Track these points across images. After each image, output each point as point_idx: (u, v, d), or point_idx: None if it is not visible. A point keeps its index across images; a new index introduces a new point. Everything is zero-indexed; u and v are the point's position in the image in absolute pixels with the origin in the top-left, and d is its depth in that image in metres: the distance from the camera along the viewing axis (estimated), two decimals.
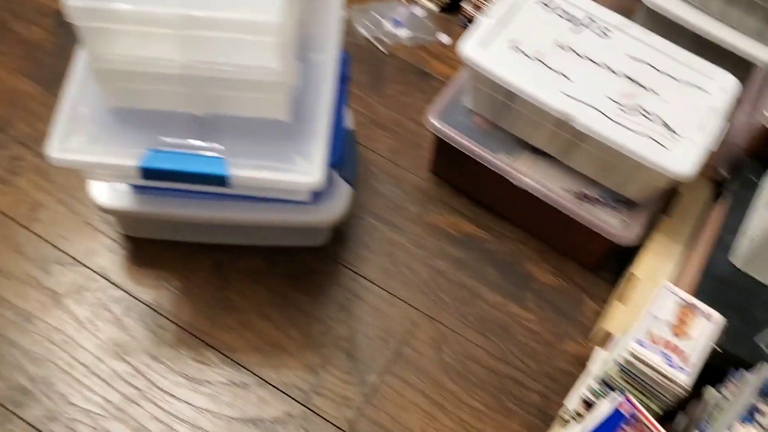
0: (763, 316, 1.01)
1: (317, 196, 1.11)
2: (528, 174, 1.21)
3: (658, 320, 0.89)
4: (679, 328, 0.89)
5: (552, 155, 1.22)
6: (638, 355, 0.87)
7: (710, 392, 0.97)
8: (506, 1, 1.21)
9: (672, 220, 1.24)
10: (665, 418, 0.94)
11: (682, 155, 1.08)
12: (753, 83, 1.26)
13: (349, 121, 1.24)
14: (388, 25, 1.53)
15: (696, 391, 0.99)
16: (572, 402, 1.03)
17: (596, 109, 1.12)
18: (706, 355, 0.87)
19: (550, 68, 1.16)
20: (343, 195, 1.15)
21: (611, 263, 1.28)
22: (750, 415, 0.87)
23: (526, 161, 1.23)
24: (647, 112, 1.13)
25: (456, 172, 1.33)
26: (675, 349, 0.87)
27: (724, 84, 1.17)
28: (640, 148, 1.09)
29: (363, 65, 1.47)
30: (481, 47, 1.15)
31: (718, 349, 1.00)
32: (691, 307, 0.90)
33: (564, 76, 1.15)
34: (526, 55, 1.16)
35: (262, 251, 1.23)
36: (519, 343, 1.21)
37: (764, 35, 1.26)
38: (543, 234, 1.31)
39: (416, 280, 1.25)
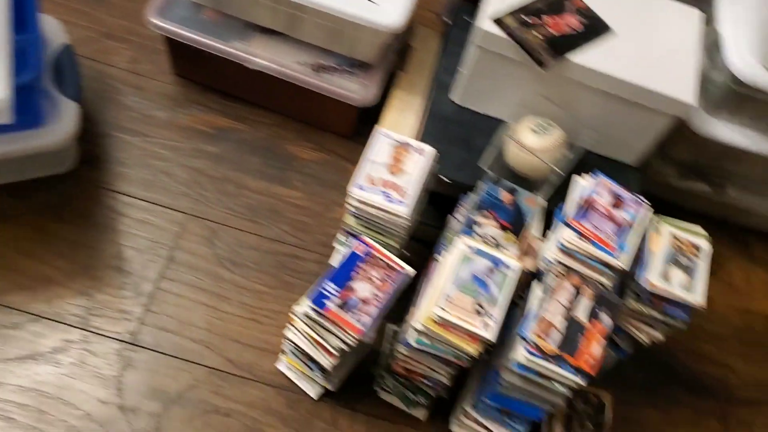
0: (484, 142, 1.09)
1: (37, 118, 1.07)
2: (261, 55, 1.21)
3: (376, 163, 0.94)
4: (395, 166, 0.95)
5: (281, 32, 1.23)
6: (361, 199, 0.92)
7: (449, 220, 1.05)
8: None
9: (408, 75, 1.30)
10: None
11: (391, 7, 1.12)
12: None
13: (61, 35, 1.18)
14: None
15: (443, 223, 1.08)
16: (334, 259, 1.09)
17: None
18: (421, 185, 0.94)
19: None
20: (69, 114, 1.11)
21: (366, 127, 1.32)
22: (469, 227, 0.95)
23: (259, 43, 1.23)
24: None
25: (198, 70, 1.31)
26: (393, 186, 0.93)
27: None
28: (352, 6, 1.12)
29: None
30: None
31: (447, 180, 1.08)
32: (404, 145, 0.96)
33: None
34: None
35: (7, 189, 1.18)
36: (290, 221, 1.25)
37: None
38: (296, 113, 1.33)
39: (177, 184, 1.25)
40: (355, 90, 1.22)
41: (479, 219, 0.96)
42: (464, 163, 1.09)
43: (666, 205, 1.34)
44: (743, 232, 1.39)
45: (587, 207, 0.95)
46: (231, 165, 1.28)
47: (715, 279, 1.34)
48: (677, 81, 1.02)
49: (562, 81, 1.03)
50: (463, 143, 1.11)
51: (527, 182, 1.07)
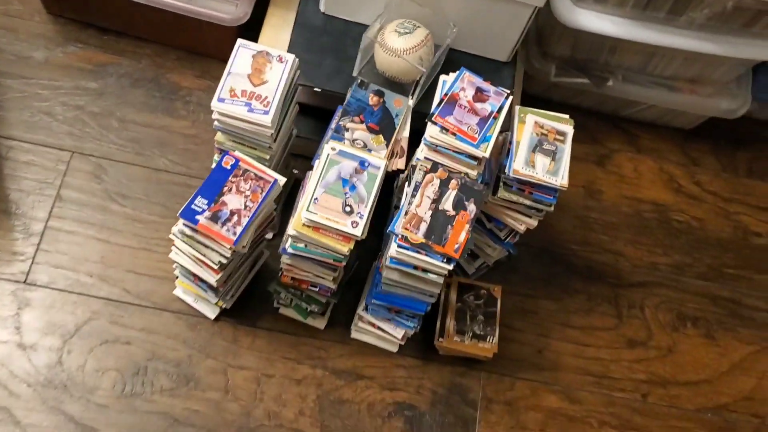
0: (354, 50, 1.10)
1: None
2: None
3: (237, 75, 0.94)
4: (256, 77, 0.94)
5: None
6: (223, 112, 0.93)
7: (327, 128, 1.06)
8: None
9: None
10: None
11: None
12: None
13: None
14: None
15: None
16: None
17: None
18: (284, 93, 0.94)
19: None
20: None
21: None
22: (338, 133, 0.96)
23: None
24: None
25: (72, 6, 1.28)
26: (255, 96, 0.93)
27: None
28: None
29: None
30: None
31: (318, 90, 1.08)
32: (264, 54, 0.96)
33: None
34: None
35: None
36: (178, 150, 1.25)
37: None
38: (175, 41, 1.31)
39: (59, 123, 1.23)
40: (227, 10, 1.21)
41: (348, 124, 0.97)
42: (336, 72, 1.09)
43: (551, 104, 1.37)
44: (630, 124, 1.43)
45: (450, 102, 0.97)
46: (114, 100, 1.26)
47: (605, 171, 1.39)
48: None
49: None
50: (333, 52, 1.11)
51: (398, 86, 1.08)
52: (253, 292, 1.15)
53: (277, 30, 1.24)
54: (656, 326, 1.27)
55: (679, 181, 1.40)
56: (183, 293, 1.13)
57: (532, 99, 1.34)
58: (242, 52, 0.96)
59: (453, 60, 1.11)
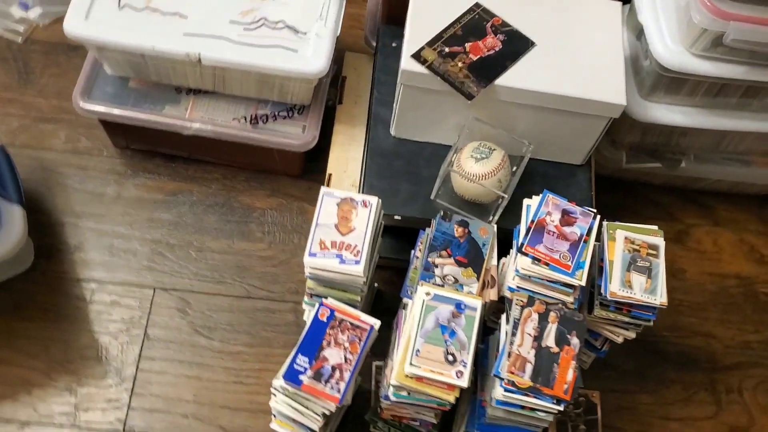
0: (429, 171, 1.09)
1: None
2: (196, 118, 1.20)
3: (324, 226, 0.94)
4: (344, 225, 0.94)
5: (211, 90, 1.22)
6: (315, 266, 0.92)
7: (411, 256, 1.05)
8: None
9: (345, 106, 1.29)
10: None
11: (312, 53, 1.11)
12: None
13: None
14: (17, 11, 1.42)
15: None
16: (307, 317, 1.09)
17: (220, 38, 1.11)
18: (372, 238, 0.94)
19: (163, 13, 1.13)
20: (14, 219, 1.10)
21: (316, 164, 1.32)
22: (428, 271, 0.96)
23: (191, 105, 1.22)
24: (271, 22, 1.14)
25: (137, 140, 1.30)
26: (344, 246, 0.93)
27: None
28: (272, 60, 1.10)
29: (2, 65, 1.37)
30: (85, 19, 1.10)
31: (399, 218, 1.08)
32: (348, 201, 0.96)
33: (179, 15, 1.13)
34: (135, 9, 1.12)
35: None
36: (258, 275, 1.25)
37: None
38: (243, 164, 1.32)
39: (139, 259, 1.24)
40: (295, 135, 1.21)
41: (436, 260, 0.96)
42: (413, 196, 1.09)
43: (623, 183, 1.35)
44: (704, 196, 1.40)
45: (538, 229, 0.95)
46: (189, 228, 1.28)
47: (685, 248, 1.36)
48: (606, 83, 1.01)
49: (494, 104, 1.02)
50: (408, 176, 1.10)
51: (479, 207, 1.07)
52: (348, 413, 1.14)
53: (345, 148, 1.25)
54: (757, 410, 1.23)
55: (762, 251, 1.37)
56: (280, 428, 1.13)
57: (603, 180, 1.32)
58: (327, 201, 0.96)
59: (527, 168, 1.10)
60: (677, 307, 1.30)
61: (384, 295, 1.22)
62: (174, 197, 1.30)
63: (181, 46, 1.10)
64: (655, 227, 1.01)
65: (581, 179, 1.13)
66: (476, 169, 1.03)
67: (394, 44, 1.21)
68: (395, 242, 1.16)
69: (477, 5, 1.05)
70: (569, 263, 0.94)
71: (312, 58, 1.11)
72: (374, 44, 1.31)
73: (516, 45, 1.02)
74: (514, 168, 1.08)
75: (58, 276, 1.22)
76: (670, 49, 1.04)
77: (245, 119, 1.22)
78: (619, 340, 1.04)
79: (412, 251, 1.05)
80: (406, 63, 1.00)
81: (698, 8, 0.95)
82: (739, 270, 1.35)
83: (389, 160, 1.12)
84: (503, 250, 1.01)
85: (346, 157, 1.24)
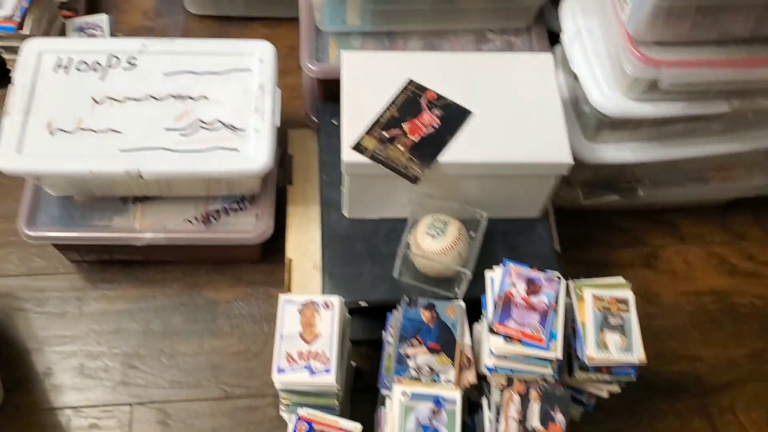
0: (389, 248, 1.07)
1: None
2: (147, 227, 1.18)
3: (289, 338, 0.92)
4: (309, 331, 0.93)
5: (158, 196, 1.19)
6: (285, 382, 0.91)
7: (383, 337, 1.03)
8: (19, 87, 1.12)
9: (296, 186, 1.27)
10: None
11: (254, 149, 1.09)
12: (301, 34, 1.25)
13: None
14: None
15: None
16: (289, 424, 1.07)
17: (158, 149, 1.09)
18: (338, 341, 0.92)
19: (96, 131, 1.10)
20: None
21: (275, 243, 1.28)
22: (401, 363, 0.94)
23: (140, 213, 1.19)
24: (207, 123, 1.12)
25: (90, 251, 1.27)
26: (312, 356, 0.91)
27: (262, 54, 1.17)
28: (214, 164, 1.08)
29: None
30: (17, 152, 1.07)
31: (366, 305, 1.06)
32: (309, 305, 0.94)
33: (114, 131, 1.10)
34: (67, 132, 1.10)
35: None
36: (233, 372, 1.23)
37: None
38: (201, 259, 1.30)
39: (112, 375, 1.21)
40: (250, 227, 1.19)
41: (408, 351, 0.95)
42: (377, 278, 1.07)
43: (584, 213, 1.35)
44: (666, 214, 1.40)
45: (505, 303, 0.94)
46: (157, 335, 1.25)
47: (656, 272, 1.36)
48: (550, 143, 1.00)
49: (441, 179, 1.01)
50: (369, 257, 1.09)
51: (445, 280, 1.06)
52: None
53: (302, 230, 1.24)
54: (753, 427, 1.23)
55: (731, 261, 1.37)
56: None
57: (564, 213, 1.31)
58: (288, 309, 0.94)
59: (486, 229, 1.08)
60: (658, 334, 1.30)
61: (362, 372, 1.20)
62: (137, 304, 1.27)
63: (120, 164, 1.07)
64: (621, 279, 1.00)
65: (541, 232, 1.12)
66: (434, 246, 1.01)
67: (334, 121, 1.19)
68: (366, 322, 1.14)
69: (410, 82, 1.04)
70: (542, 335, 0.93)
71: (254, 155, 1.09)
72: (315, 119, 1.29)
73: (454, 117, 1.01)
74: (471, 232, 1.06)
75: (31, 408, 1.19)
76: (608, 96, 1.04)
77: (197, 219, 1.19)
78: (605, 395, 1.03)
79: (383, 332, 1.04)
80: (348, 155, 0.98)
81: (628, 58, 0.95)
82: (713, 285, 1.35)
83: (347, 243, 1.10)
84: (474, 315, 1.00)
85: (305, 239, 1.23)
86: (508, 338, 0.92)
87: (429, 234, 1.02)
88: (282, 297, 0.95)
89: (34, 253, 1.31)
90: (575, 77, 1.11)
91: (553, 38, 1.23)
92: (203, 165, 1.08)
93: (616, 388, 1.01)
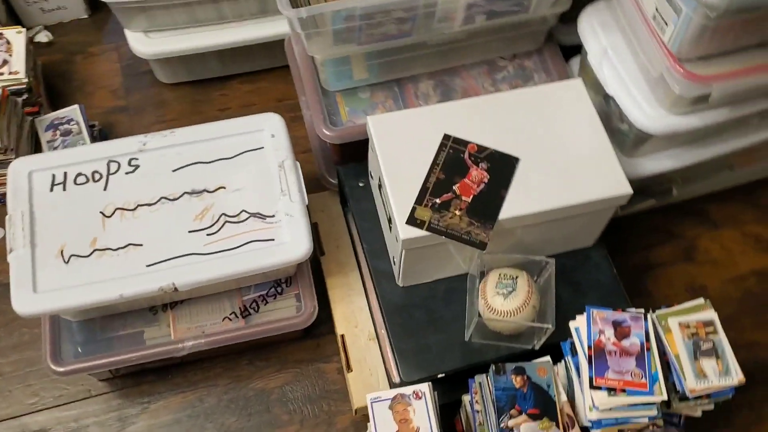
0: (451, 310, 1.02)
1: None
2: (185, 335, 1.09)
3: None
4: (406, 428, 0.87)
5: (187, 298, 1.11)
6: None
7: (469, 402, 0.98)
8: (17, 218, 1.02)
9: (329, 256, 1.20)
10: None
11: (290, 237, 1.02)
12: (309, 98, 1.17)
13: None
14: None
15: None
16: None
17: (187, 255, 1.01)
18: (436, 422, 0.87)
19: (114, 249, 1.01)
20: None
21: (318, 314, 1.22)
22: None
23: (173, 321, 1.11)
24: (232, 216, 1.04)
25: (121, 368, 1.18)
26: None
27: (272, 128, 1.09)
28: (252, 261, 1.01)
29: None
30: (34, 292, 0.97)
31: (443, 375, 1.01)
32: (398, 399, 0.89)
33: (134, 245, 1.02)
34: (83, 257, 1.01)
35: None
36: None
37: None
38: (242, 348, 1.22)
39: None
40: (292, 312, 1.12)
41: (509, 423, 0.90)
42: (447, 345, 1.02)
43: (622, 221, 1.31)
44: (695, 202, 1.38)
45: (598, 354, 0.90)
46: None
47: (697, 264, 1.34)
48: (605, 176, 0.96)
49: (501, 234, 0.96)
50: (433, 324, 1.03)
51: (520, 337, 1.01)
52: None
53: (347, 301, 1.18)
54: None
55: (766, 237, 1.36)
56: None
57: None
58: (378, 408, 0.89)
59: None
60: None
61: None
62: (184, 412, 1.19)
63: (150, 282, 0.99)
64: (701, 300, 0.97)
65: (598, 260, 1.09)
66: (507, 305, 0.96)
67: (360, 184, 1.13)
68: (440, 386, 1.08)
69: (446, 138, 0.98)
70: (644, 380, 0.89)
71: (292, 242, 1.02)
72: (332, 181, 1.22)
73: (502, 167, 0.96)
74: (535, 277, 1.02)
75: None
76: (650, 115, 1.00)
77: (235, 315, 1.12)
78: (699, 414, 1.00)
79: (466, 396, 0.99)
80: (404, 231, 0.92)
81: (676, 78, 0.91)
82: (754, 265, 1.33)
83: (407, 314, 1.04)
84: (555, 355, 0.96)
85: (351, 310, 1.16)
86: (611, 390, 0.88)
87: (500, 293, 0.97)
88: (368, 397, 0.89)
89: (58, 380, 1.21)
90: (604, 96, 1.07)
91: (565, 52, 1.19)
92: (241, 264, 1.00)
93: (710, 406, 0.99)
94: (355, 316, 1.15)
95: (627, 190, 0.95)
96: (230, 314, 1.12)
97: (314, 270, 1.19)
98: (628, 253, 1.34)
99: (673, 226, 1.37)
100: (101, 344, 1.09)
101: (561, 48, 1.18)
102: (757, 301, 1.31)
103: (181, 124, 1.35)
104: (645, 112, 1.00)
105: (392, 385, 1.04)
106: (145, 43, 1.31)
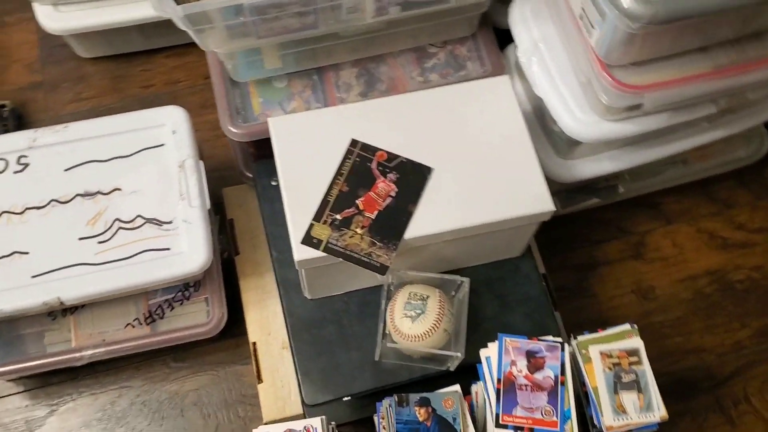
0: (363, 326, 0.95)
1: None
2: (86, 343, 1.03)
3: None
4: None
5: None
6: None
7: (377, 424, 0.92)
8: None
9: (244, 255, 1.12)
10: None
11: (188, 245, 0.94)
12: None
13: None
14: None
15: None
16: None
17: (75, 266, 0.93)
18: None
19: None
20: None
21: (231, 312, 1.15)
22: None
23: (74, 326, 1.04)
24: (126, 222, 0.96)
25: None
26: None
27: (174, 123, 1.00)
28: (145, 273, 0.93)
29: None
30: None
31: (349, 398, 0.95)
32: None
33: (19, 253, 0.94)
34: None
35: None
36: None
37: None
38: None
39: None
40: (202, 318, 1.05)
41: None
42: (358, 365, 0.95)
43: (566, 217, 1.23)
44: (650, 196, 1.29)
45: (507, 387, 0.83)
46: None
47: (647, 261, 1.26)
48: (526, 190, 0.87)
49: (411, 252, 0.88)
50: (343, 341, 0.96)
51: (434, 358, 0.94)
52: None
53: (260, 305, 1.10)
54: None
55: (721, 234, 1.28)
56: None
57: (545, 224, 1.20)
58: None
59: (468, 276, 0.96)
60: (660, 331, 1.21)
61: None
62: (95, 416, 1.13)
63: (34, 295, 0.92)
64: (627, 326, 0.90)
65: (527, 271, 1.01)
66: (415, 329, 0.89)
67: (273, 183, 1.04)
68: (350, 405, 1.02)
69: (353, 143, 0.89)
70: (554, 418, 0.82)
71: (189, 251, 0.94)
72: (249, 175, 1.14)
73: (412, 178, 0.87)
74: (453, 292, 0.94)
75: None
76: (582, 121, 0.90)
77: (139, 321, 1.05)
78: None
79: (375, 417, 0.93)
80: (299, 252, 0.84)
81: (603, 87, 0.81)
82: (707, 265, 1.25)
83: (316, 330, 0.96)
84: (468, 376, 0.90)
85: (265, 315, 1.09)
86: (518, 429, 0.82)
87: (407, 316, 0.89)
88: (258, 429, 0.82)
89: None
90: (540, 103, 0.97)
91: (501, 36, 1.08)
92: (133, 277, 0.93)
93: None
94: (269, 323, 1.08)
95: (549, 206, 0.86)
96: (134, 320, 1.05)
97: (229, 270, 1.12)
98: (573, 249, 1.25)
99: (622, 221, 1.28)
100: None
101: (501, 32, 1.08)
102: (708, 304, 1.23)
103: (101, 103, 1.27)
104: (576, 117, 0.90)
105: (303, 402, 0.98)
106: (54, 18, 1.20)
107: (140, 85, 1.34)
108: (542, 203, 0.86)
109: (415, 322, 0.89)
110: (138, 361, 1.16)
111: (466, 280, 0.90)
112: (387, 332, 0.90)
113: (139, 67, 1.36)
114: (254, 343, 1.08)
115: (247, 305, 1.09)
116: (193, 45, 1.35)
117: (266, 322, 1.08)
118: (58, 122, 1.00)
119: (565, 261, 1.24)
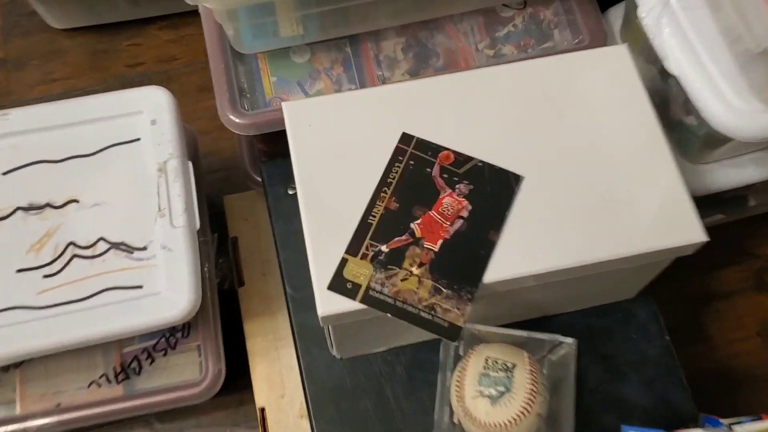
0: (413, 399, 0.67)
1: None
2: (34, 409, 0.76)
3: None
4: None
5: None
6: None
7: None
8: None
9: (249, 287, 0.85)
10: None
11: (166, 282, 0.67)
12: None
13: None
14: None
15: None
16: None
17: (13, 309, 0.66)
18: None
19: None
20: None
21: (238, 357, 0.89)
22: None
23: (19, 384, 0.77)
24: (84, 248, 0.69)
25: None
26: None
27: (154, 111, 0.73)
28: (106, 322, 0.66)
29: None
30: None
31: None
32: None
33: None
34: None
35: None
36: None
37: None
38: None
39: None
40: (194, 371, 0.78)
41: None
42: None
43: None
44: None
45: None
46: None
47: None
48: (662, 208, 0.59)
49: (496, 297, 0.59)
50: (382, 414, 0.68)
51: None
52: None
53: (272, 360, 0.83)
54: None
55: None
56: None
57: None
58: None
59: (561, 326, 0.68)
60: None
61: None
62: None
63: None
64: None
65: (643, 320, 0.72)
66: (497, 415, 0.60)
67: (290, 191, 0.76)
68: None
69: (406, 139, 0.60)
70: None
71: (169, 291, 0.66)
72: (258, 179, 0.86)
73: (494, 191, 0.59)
74: (544, 353, 0.66)
75: None
76: (739, 109, 0.61)
77: (107, 378, 0.78)
78: None
79: None
80: (324, 303, 0.56)
81: None
82: None
83: (346, 403, 0.69)
84: None
85: (278, 369, 0.82)
86: None
87: (484, 395, 0.61)
88: None
89: None
90: (660, 70, 0.68)
91: None
92: (90, 327, 0.66)
93: None
94: (283, 381, 0.80)
95: (699, 236, 0.58)
96: (100, 377, 0.77)
97: (230, 306, 0.85)
98: (681, 278, 0.97)
99: (744, 240, 0.99)
100: None
101: None
102: None
103: (77, 86, 1.02)
104: (730, 104, 0.61)
105: None
106: None
107: (126, 63, 1.07)
108: (689, 231, 0.58)
109: (495, 405, 0.60)
110: (110, 425, 0.89)
111: (572, 342, 0.61)
112: (453, 419, 0.62)
113: (125, 40, 1.09)
114: (263, 410, 0.80)
115: (254, 356, 0.82)
116: (192, 14, 1.10)
117: (278, 379, 0.81)
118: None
119: (676, 290, 0.96)
